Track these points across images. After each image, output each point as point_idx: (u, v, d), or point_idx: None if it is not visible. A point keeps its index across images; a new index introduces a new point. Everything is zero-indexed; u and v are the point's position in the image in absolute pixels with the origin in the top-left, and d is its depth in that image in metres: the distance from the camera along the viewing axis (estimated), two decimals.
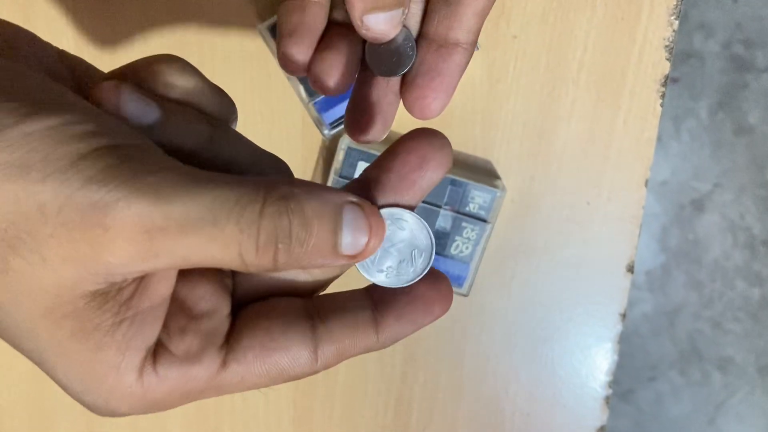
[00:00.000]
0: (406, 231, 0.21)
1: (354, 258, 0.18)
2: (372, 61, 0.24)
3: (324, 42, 0.24)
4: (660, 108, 0.37)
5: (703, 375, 1.20)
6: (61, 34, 0.38)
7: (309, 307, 0.20)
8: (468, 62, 0.24)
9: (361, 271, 0.21)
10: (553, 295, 0.40)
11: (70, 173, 0.15)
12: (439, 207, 0.38)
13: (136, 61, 0.20)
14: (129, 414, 0.18)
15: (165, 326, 0.18)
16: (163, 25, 0.38)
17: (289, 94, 0.38)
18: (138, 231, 0.15)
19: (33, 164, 0.15)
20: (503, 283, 0.40)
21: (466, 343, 0.42)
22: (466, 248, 0.39)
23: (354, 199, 0.18)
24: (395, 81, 0.24)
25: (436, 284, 0.20)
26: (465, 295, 0.40)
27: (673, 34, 0.36)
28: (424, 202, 0.38)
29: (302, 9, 0.23)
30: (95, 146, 0.16)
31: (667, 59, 0.37)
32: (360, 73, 0.25)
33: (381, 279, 0.20)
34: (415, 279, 0.20)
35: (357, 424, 0.43)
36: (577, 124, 0.38)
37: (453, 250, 0.39)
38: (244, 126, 0.40)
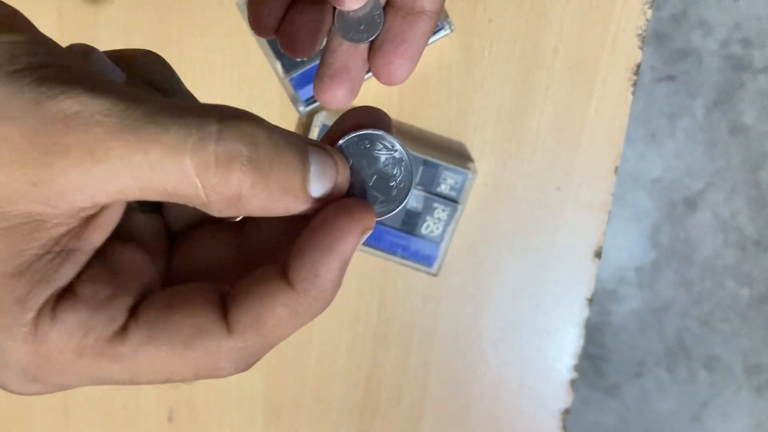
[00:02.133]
0: (381, 155, 0.19)
1: (319, 203, 0.17)
2: (341, 28, 0.25)
3: (294, 6, 0.25)
4: (631, 96, 0.38)
5: (689, 373, 1.20)
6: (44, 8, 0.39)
7: (221, 291, 0.18)
8: (433, 30, 0.24)
9: None
10: (522, 279, 0.41)
11: (19, 76, 0.15)
12: None
13: (121, 49, 0.21)
14: (14, 372, 0.16)
15: (79, 273, 0.17)
16: (142, 3, 0.39)
17: (267, 70, 0.39)
18: (77, 122, 0.15)
19: None
20: (473, 264, 0.41)
21: (436, 323, 0.42)
22: (437, 228, 0.39)
23: (314, 141, 0.18)
24: (363, 47, 0.25)
25: (344, 207, 0.17)
26: (435, 275, 0.40)
27: (646, 23, 0.37)
28: None
29: None
30: (38, 61, 0.15)
31: (640, 48, 0.37)
32: (329, 39, 0.25)
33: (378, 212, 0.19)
34: (403, 201, 0.19)
35: (328, 401, 0.44)
36: (550, 110, 0.39)
37: (424, 230, 0.39)
38: (222, 102, 0.40)
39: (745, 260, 1.16)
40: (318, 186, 0.17)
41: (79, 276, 0.17)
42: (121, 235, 0.18)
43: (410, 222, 0.39)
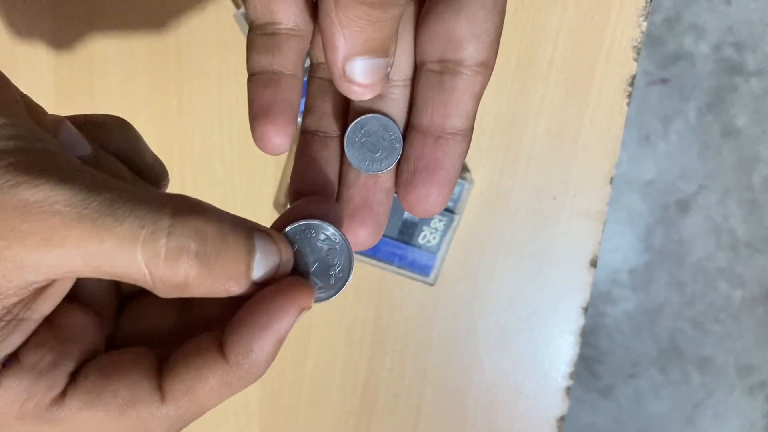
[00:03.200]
0: (324, 245, 0.20)
1: (261, 286, 0.18)
2: (354, 158, 0.22)
3: (300, 148, 0.23)
4: (626, 107, 0.38)
5: (682, 374, 1.21)
6: (41, 24, 0.39)
7: (159, 356, 0.19)
8: (467, 149, 0.21)
9: None
10: (517, 287, 0.41)
11: None
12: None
13: (90, 114, 0.21)
14: None
15: (26, 340, 0.17)
16: (140, 15, 0.39)
17: None
18: (36, 211, 0.15)
19: None
20: (470, 273, 0.41)
21: (433, 331, 0.43)
22: (434, 238, 0.39)
23: (260, 226, 0.18)
24: (384, 177, 0.22)
25: (283, 287, 0.18)
26: (431, 285, 0.41)
27: (641, 35, 0.37)
28: None
29: (277, 83, 0.21)
30: (10, 146, 0.16)
31: (635, 59, 0.38)
32: (342, 173, 0.23)
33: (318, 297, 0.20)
34: (340, 289, 0.20)
35: (324, 408, 0.44)
36: (545, 120, 0.39)
37: (420, 240, 0.39)
38: (219, 113, 0.41)
39: (738, 262, 1.17)
40: (260, 271, 0.18)
41: (25, 342, 0.17)
42: (71, 295, 0.19)
43: (407, 232, 0.39)
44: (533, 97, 0.39)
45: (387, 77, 0.20)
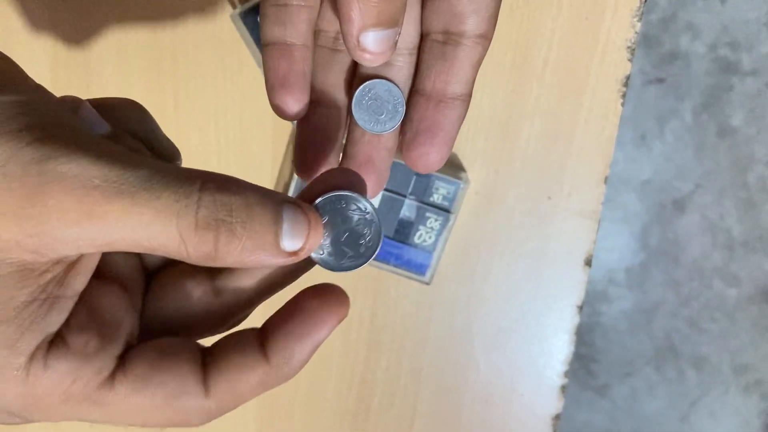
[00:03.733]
0: (354, 215, 0.21)
1: (293, 255, 0.18)
2: (360, 118, 0.24)
3: (309, 107, 0.24)
4: (621, 107, 0.38)
5: (678, 372, 1.22)
6: (38, 28, 0.39)
7: (202, 349, 0.20)
8: (466, 113, 0.23)
9: None
10: (513, 287, 0.42)
11: (19, 135, 0.16)
12: (404, 196, 0.39)
13: (104, 98, 0.22)
14: (4, 408, 0.18)
15: (67, 320, 0.18)
16: (136, 14, 0.39)
17: (260, 80, 0.39)
18: (75, 185, 0.16)
19: None
20: (465, 273, 0.42)
21: (428, 330, 0.43)
22: (430, 237, 0.40)
23: (290, 197, 0.19)
24: (387, 136, 0.24)
25: (323, 295, 0.20)
26: (427, 284, 0.41)
27: (636, 35, 0.37)
28: (388, 191, 0.39)
29: (290, 54, 0.22)
30: (35, 121, 0.17)
31: (629, 60, 0.38)
32: (349, 131, 0.25)
33: (317, 256, 0.21)
34: (370, 257, 0.21)
35: (321, 407, 0.44)
36: (540, 120, 0.39)
37: (416, 239, 0.40)
38: (216, 112, 0.41)
39: (733, 261, 1.17)
40: (290, 242, 0.18)
41: (68, 323, 0.18)
42: (101, 273, 0.19)
43: (403, 231, 0.39)
44: (528, 97, 0.39)
45: (395, 45, 0.22)
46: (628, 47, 0.38)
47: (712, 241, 1.18)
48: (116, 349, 0.18)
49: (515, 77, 0.39)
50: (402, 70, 0.23)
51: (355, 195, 0.21)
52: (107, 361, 0.18)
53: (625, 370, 1.22)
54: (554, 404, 0.43)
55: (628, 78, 0.38)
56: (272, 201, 0.18)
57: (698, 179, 1.16)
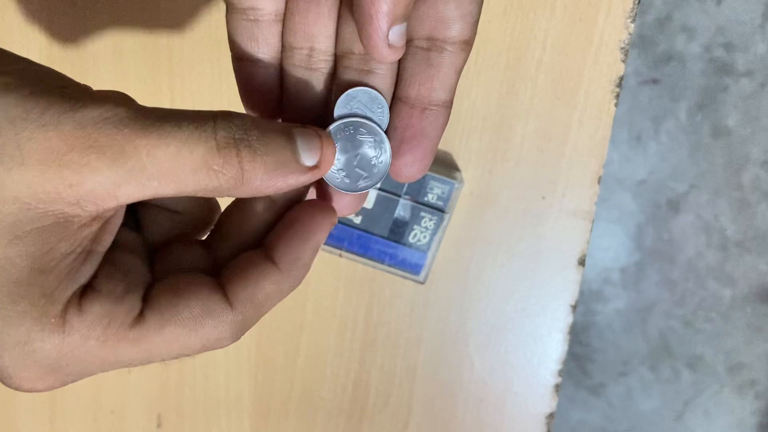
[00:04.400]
0: (364, 138, 0.22)
1: (314, 170, 0.20)
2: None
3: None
4: (614, 108, 0.39)
5: (673, 372, 1.22)
6: (33, 24, 0.39)
7: (214, 275, 0.21)
8: (448, 118, 0.23)
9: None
10: (507, 286, 0.42)
11: (49, 91, 0.17)
12: (399, 196, 0.39)
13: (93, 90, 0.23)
14: (34, 362, 0.18)
15: (95, 272, 0.19)
16: (132, 13, 0.39)
17: None
18: (108, 126, 0.17)
19: (23, 84, 0.17)
20: (459, 272, 0.42)
21: (423, 329, 0.43)
22: (424, 237, 0.40)
23: (296, 124, 0.20)
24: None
25: (314, 206, 0.22)
26: (422, 283, 0.41)
27: (629, 36, 0.38)
28: (383, 190, 0.39)
29: (263, 70, 0.23)
30: (61, 83, 0.18)
31: (622, 61, 0.38)
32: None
33: (332, 178, 0.22)
34: (382, 177, 0.22)
35: (315, 405, 0.45)
36: (534, 120, 0.39)
37: (411, 239, 0.40)
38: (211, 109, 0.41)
39: (728, 261, 1.18)
40: (307, 156, 0.20)
41: (95, 274, 0.19)
42: (115, 244, 0.20)
43: (398, 231, 0.40)
44: (522, 98, 0.39)
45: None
46: (622, 48, 0.38)
47: (706, 241, 1.18)
48: (140, 291, 0.20)
49: (509, 78, 0.39)
50: (384, 78, 0.23)
51: (362, 120, 0.22)
52: (135, 302, 0.19)
53: (619, 369, 1.23)
54: (548, 403, 0.43)
55: (621, 79, 0.38)
56: (281, 124, 0.20)
57: (693, 179, 1.16)
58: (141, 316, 0.19)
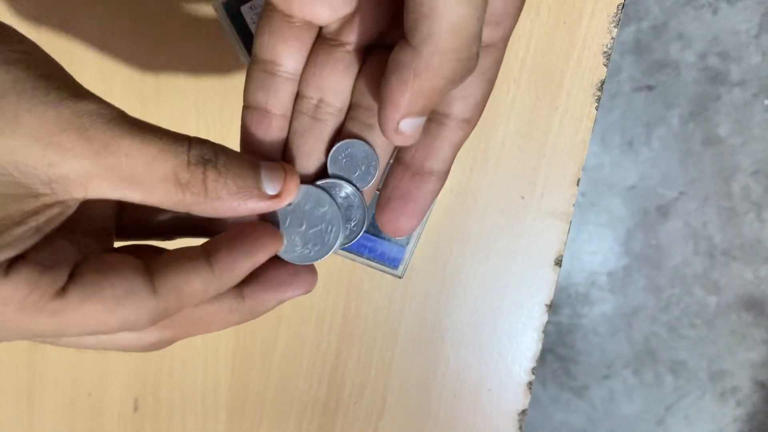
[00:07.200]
0: (345, 198, 0.23)
1: (275, 198, 0.21)
2: (333, 173, 0.24)
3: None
4: (595, 111, 0.39)
5: (655, 376, 1.23)
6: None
7: (146, 258, 0.22)
8: (440, 190, 0.24)
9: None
10: (484, 283, 0.42)
11: (51, 78, 0.19)
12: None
13: None
14: None
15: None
16: (119, 4, 0.39)
17: (242, 71, 0.39)
18: (100, 119, 0.18)
19: (36, 64, 0.19)
20: (437, 268, 0.42)
21: (400, 324, 0.43)
22: None
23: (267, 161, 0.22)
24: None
25: (261, 228, 0.23)
26: (400, 277, 0.41)
27: (612, 41, 0.38)
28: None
29: (268, 122, 0.23)
30: (50, 70, 0.19)
31: (605, 65, 0.38)
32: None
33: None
34: (354, 239, 0.24)
35: (292, 396, 0.45)
36: (515, 121, 0.40)
37: None
38: (196, 101, 0.41)
39: (714, 269, 1.19)
40: (270, 185, 0.21)
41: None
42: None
43: (377, 225, 0.40)
44: (504, 98, 0.39)
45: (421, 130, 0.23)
46: (604, 52, 0.38)
47: (694, 249, 1.19)
48: (70, 264, 0.20)
49: None
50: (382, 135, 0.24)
51: (344, 183, 0.23)
52: (60, 275, 0.19)
53: (603, 372, 1.24)
54: (521, 400, 0.44)
55: (602, 83, 0.39)
56: (249, 156, 0.22)
57: (682, 187, 1.17)
58: (64, 289, 0.19)
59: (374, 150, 0.24)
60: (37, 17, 0.39)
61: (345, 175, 0.24)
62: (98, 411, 0.45)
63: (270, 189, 0.21)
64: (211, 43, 0.39)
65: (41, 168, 0.18)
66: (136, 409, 0.45)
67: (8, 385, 0.45)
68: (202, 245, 0.22)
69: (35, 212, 0.19)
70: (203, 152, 0.20)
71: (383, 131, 0.22)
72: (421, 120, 0.22)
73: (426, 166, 0.23)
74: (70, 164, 0.18)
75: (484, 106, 0.23)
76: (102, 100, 0.19)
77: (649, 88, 1.15)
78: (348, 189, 0.23)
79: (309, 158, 0.24)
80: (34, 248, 0.19)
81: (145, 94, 0.40)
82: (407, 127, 0.21)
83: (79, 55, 0.40)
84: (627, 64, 1.14)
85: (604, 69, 0.39)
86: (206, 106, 0.40)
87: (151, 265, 0.21)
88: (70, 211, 0.20)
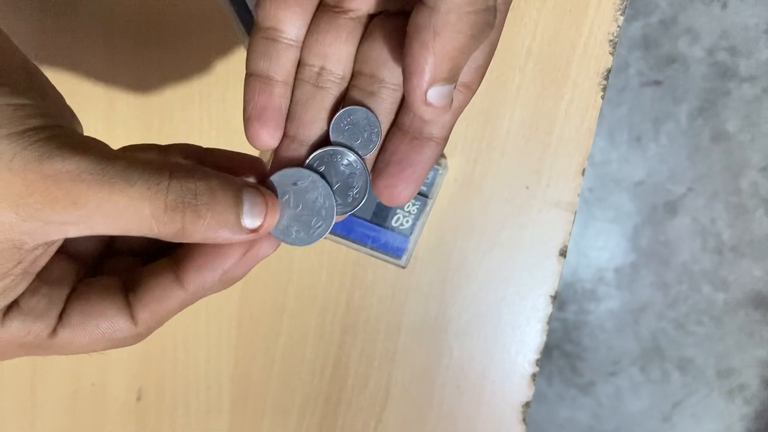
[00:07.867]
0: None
1: (255, 232, 0.21)
2: (335, 140, 0.24)
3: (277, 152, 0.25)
4: (600, 100, 0.39)
5: (663, 374, 1.22)
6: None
7: (124, 282, 0.23)
8: (439, 156, 0.24)
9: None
10: (488, 274, 0.42)
11: (25, 136, 0.19)
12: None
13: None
14: None
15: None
16: (122, 13, 0.39)
17: (244, 58, 0.39)
18: (65, 180, 0.19)
19: (3, 123, 0.19)
20: (441, 259, 0.42)
21: (403, 314, 0.43)
22: (407, 221, 0.40)
23: (251, 182, 0.22)
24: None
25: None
26: (403, 267, 0.41)
27: (618, 29, 0.38)
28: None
29: (270, 89, 0.23)
30: (40, 124, 0.19)
31: (611, 53, 0.38)
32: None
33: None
34: (356, 207, 0.23)
35: (295, 387, 0.45)
36: (521, 110, 0.39)
37: (394, 223, 0.40)
38: (200, 88, 0.41)
39: (722, 266, 1.18)
40: (250, 219, 0.21)
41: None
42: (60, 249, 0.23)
43: (381, 214, 0.40)
44: (510, 87, 0.39)
45: (451, 102, 0.22)
46: (610, 41, 0.38)
47: (702, 245, 1.18)
48: (59, 306, 0.22)
49: (497, 66, 0.39)
50: (384, 102, 0.24)
51: (347, 151, 0.23)
52: (51, 320, 0.21)
53: (610, 369, 1.23)
54: (524, 392, 0.44)
55: (609, 71, 0.38)
56: (233, 185, 0.21)
57: (691, 183, 1.16)
58: (55, 332, 0.21)
59: (377, 117, 0.24)
60: (39, 31, 0.39)
61: (347, 143, 0.24)
62: (101, 401, 0.46)
63: (250, 223, 0.21)
64: (214, 29, 0.39)
65: (16, 223, 0.19)
66: (139, 399, 0.45)
67: (12, 375, 0.45)
68: (173, 262, 0.23)
69: (19, 260, 0.20)
70: (183, 194, 0.20)
71: (412, 107, 0.21)
72: (450, 88, 0.21)
73: (425, 131, 0.23)
74: (44, 218, 0.19)
75: (485, 70, 0.23)
76: (75, 149, 0.19)
77: (657, 83, 1.14)
78: (350, 156, 0.23)
79: (311, 126, 0.24)
80: (26, 292, 0.21)
81: (148, 82, 0.40)
82: (435, 96, 0.21)
83: (82, 42, 0.40)
84: (635, 59, 1.13)
85: (610, 57, 0.38)
86: (209, 93, 0.40)
87: (131, 291, 0.23)
88: (54, 248, 0.21)
